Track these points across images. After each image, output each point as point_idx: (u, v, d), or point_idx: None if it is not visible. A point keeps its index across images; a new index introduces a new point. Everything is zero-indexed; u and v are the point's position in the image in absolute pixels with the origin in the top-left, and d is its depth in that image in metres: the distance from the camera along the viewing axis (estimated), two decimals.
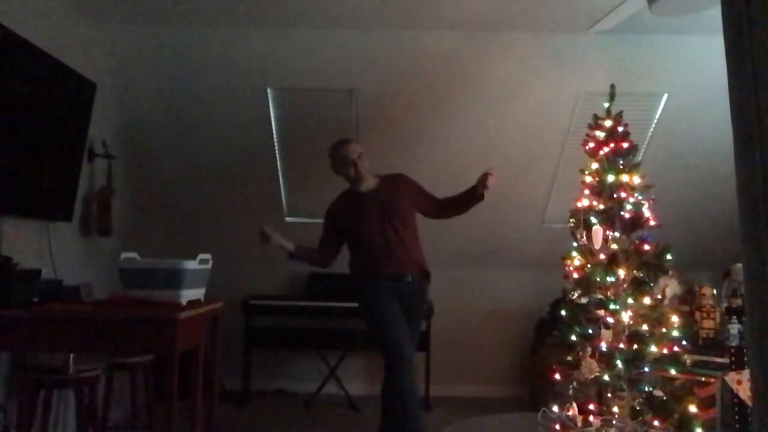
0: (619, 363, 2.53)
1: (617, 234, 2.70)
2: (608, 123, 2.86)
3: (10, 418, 2.73)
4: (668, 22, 3.20)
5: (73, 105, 3.14)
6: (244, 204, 4.42)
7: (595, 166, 2.85)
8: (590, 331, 2.63)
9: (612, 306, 2.58)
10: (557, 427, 2.54)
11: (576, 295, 2.75)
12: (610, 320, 2.58)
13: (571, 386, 2.62)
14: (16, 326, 2.38)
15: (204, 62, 3.72)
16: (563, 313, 2.78)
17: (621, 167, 2.79)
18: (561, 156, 4.17)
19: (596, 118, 2.92)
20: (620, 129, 2.85)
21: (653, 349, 2.55)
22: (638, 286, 2.62)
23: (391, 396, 2.83)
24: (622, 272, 2.64)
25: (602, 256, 2.69)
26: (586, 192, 2.85)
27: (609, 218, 2.73)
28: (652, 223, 2.72)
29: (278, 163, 4.28)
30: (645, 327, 2.60)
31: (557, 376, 2.70)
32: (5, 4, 2.68)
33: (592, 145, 2.89)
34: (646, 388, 2.55)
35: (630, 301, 2.62)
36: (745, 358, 2.54)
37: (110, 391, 3.12)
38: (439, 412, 4.26)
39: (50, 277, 2.91)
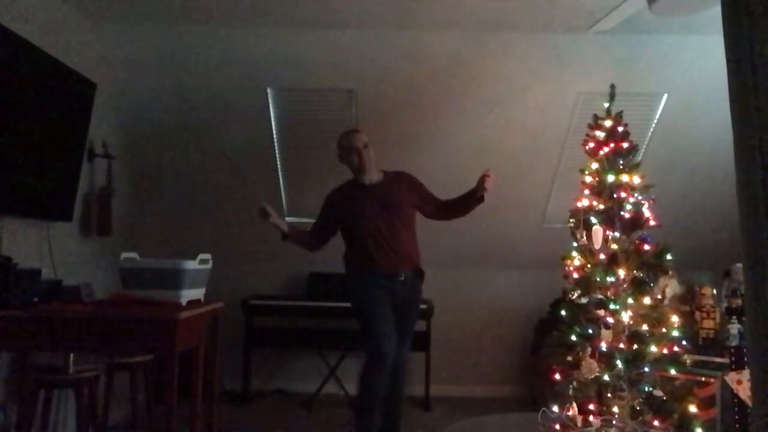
0: (619, 363, 2.53)
1: (617, 234, 2.69)
2: (608, 123, 2.85)
3: (10, 418, 2.73)
4: (668, 22, 3.21)
5: (73, 105, 3.15)
6: (244, 204, 4.42)
7: (595, 166, 2.84)
8: (590, 331, 2.62)
9: (612, 306, 2.58)
10: (557, 427, 2.53)
11: (576, 295, 2.75)
12: (610, 320, 2.58)
13: (571, 386, 2.62)
14: (16, 326, 2.38)
15: (204, 62, 3.72)
16: (563, 313, 2.77)
17: (621, 167, 2.78)
18: (561, 156, 4.17)
19: (596, 118, 2.91)
20: (620, 129, 2.84)
21: (653, 349, 2.54)
22: (638, 286, 2.61)
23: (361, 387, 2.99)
24: (622, 272, 2.63)
25: (602, 256, 2.68)
26: (586, 192, 2.84)
27: (609, 218, 2.73)
28: (652, 223, 2.71)
29: (278, 163, 4.29)
30: (645, 327, 2.59)
31: (557, 376, 2.69)
32: (5, 4, 2.68)
33: (592, 145, 2.88)
34: (646, 388, 2.54)
35: (630, 301, 2.61)
36: (745, 358, 2.54)
37: (110, 391, 3.12)
38: (439, 412, 4.26)
39: (50, 277, 2.91)
